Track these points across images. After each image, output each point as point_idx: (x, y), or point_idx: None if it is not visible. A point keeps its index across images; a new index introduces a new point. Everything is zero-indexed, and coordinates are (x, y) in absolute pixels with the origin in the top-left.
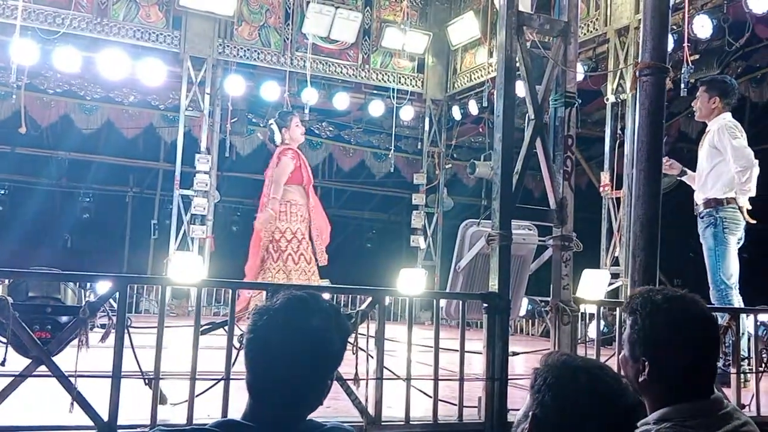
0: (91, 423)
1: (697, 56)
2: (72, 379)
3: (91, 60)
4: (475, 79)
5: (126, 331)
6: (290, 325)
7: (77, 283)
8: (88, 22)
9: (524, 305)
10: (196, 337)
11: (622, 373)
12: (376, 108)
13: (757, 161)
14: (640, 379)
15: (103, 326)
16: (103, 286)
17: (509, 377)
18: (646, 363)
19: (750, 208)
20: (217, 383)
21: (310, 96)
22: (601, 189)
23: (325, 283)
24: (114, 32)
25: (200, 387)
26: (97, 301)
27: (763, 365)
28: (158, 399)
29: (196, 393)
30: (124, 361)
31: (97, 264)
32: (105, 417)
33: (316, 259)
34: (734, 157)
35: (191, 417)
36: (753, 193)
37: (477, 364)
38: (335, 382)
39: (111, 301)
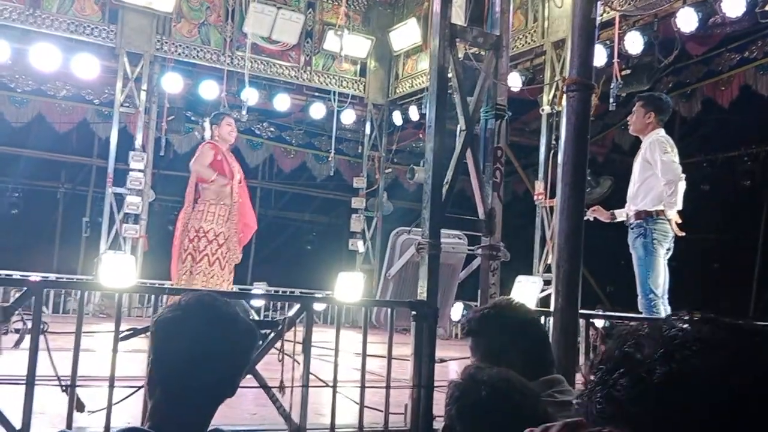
0: (3, 431)
1: (628, 71)
2: None
3: (22, 52)
4: (416, 85)
5: (42, 335)
6: (199, 316)
7: None
8: (20, 13)
9: (459, 310)
10: (116, 343)
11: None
12: (318, 110)
13: (684, 176)
14: None
15: (17, 331)
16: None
17: (436, 384)
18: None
19: (680, 221)
20: (137, 390)
21: (250, 96)
22: (535, 197)
23: (262, 285)
24: (47, 24)
25: (121, 394)
26: (10, 306)
27: None
28: (75, 406)
29: (116, 400)
30: (42, 366)
31: (25, 262)
32: (17, 425)
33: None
34: (662, 171)
35: (109, 425)
36: (679, 207)
37: (408, 370)
38: (262, 390)
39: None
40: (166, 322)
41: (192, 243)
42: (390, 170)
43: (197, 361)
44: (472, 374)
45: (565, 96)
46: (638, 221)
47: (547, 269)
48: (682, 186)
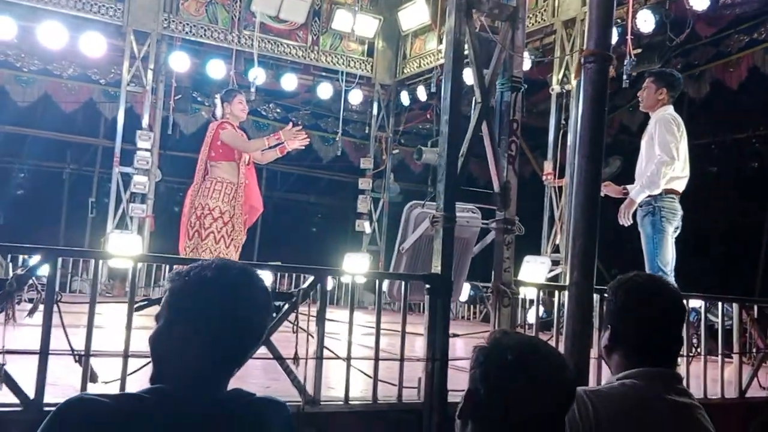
0: (16, 400)
1: (639, 50)
2: None
3: (28, 30)
4: (424, 65)
5: (56, 305)
6: (225, 279)
7: (7, 257)
8: None
9: (466, 290)
10: (130, 312)
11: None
12: (325, 91)
13: (676, 160)
14: (603, 345)
15: (31, 300)
16: (34, 261)
17: (449, 359)
18: (609, 329)
19: (621, 195)
20: (150, 362)
21: (257, 75)
22: (544, 178)
23: (276, 264)
24: (54, 2)
25: (134, 365)
26: (24, 273)
27: (694, 350)
28: (88, 377)
29: (129, 371)
30: (54, 337)
31: (31, 242)
32: (31, 395)
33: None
34: (659, 145)
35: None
36: (658, 191)
37: (418, 347)
38: (276, 362)
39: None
40: (205, 279)
41: (199, 220)
42: (397, 151)
43: (241, 319)
44: (497, 338)
45: (582, 68)
46: (646, 199)
47: (555, 249)
48: (671, 169)
